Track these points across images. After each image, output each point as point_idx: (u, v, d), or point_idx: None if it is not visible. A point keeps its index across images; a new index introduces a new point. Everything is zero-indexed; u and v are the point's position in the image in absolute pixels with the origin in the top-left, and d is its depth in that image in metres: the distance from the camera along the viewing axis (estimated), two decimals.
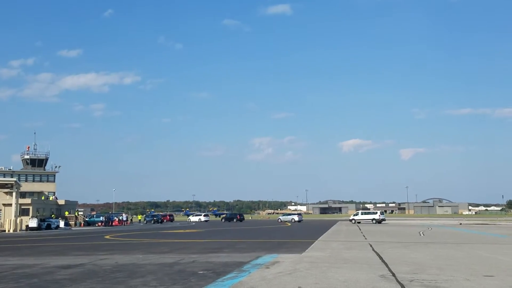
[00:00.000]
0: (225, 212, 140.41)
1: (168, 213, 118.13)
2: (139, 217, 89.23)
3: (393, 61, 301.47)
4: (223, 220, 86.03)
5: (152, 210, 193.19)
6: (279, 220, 77.27)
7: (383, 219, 64.35)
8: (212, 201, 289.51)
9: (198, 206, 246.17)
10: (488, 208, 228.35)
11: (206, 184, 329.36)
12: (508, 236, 29.71)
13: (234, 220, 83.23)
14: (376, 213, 65.83)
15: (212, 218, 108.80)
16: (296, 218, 75.63)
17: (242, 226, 56.38)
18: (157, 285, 10.59)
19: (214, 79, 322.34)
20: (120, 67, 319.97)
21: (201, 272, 12.70)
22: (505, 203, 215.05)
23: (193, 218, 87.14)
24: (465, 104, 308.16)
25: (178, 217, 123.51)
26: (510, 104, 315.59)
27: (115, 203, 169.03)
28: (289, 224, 65.49)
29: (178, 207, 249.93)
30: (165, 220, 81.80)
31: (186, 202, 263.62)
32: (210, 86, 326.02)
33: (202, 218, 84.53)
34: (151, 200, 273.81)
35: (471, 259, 15.32)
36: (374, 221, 61.96)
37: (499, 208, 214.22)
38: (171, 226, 58.16)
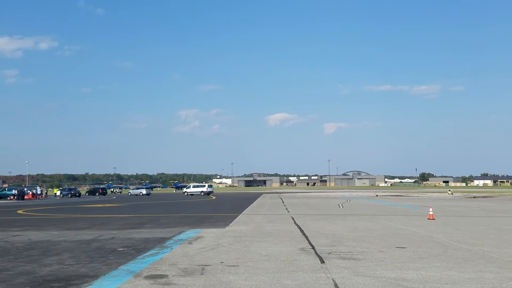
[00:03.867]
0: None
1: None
2: (55, 190, 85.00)
3: (319, 37, 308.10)
4: (87, 194, 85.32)
5: (109, 183, 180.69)
6: (129, 194, 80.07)
7: (211, 191, 74.75)
8: (134, 174, 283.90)
9: (120, 179, 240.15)
10: (403, 180, 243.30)
11: (128, 156, 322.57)
12: (420, 207, 31.61)
13: (97, 194, 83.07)
14: (205, 186, 75.96)
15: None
16: (144, 191, 78.93)
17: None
18: (73, 264, 10.10)
19: (138, 48, 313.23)
20: (35, 31, 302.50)
21: (121, 249, 12.29)
22: (418, 176, 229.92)
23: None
24: (385, 81, 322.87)
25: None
26: (426, 81, 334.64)
27: (29, 175, 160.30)
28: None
29: (98, 180, 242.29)
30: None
31: (106, 175, 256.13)
32: (133, 55, 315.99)
33: (64, 192, 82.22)
34: (68, 173, 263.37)
35: (385, 231, 16.10)
36: (203, 194, 71.13)
37: (412, 180, 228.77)
38: (90, 200, 56.22)
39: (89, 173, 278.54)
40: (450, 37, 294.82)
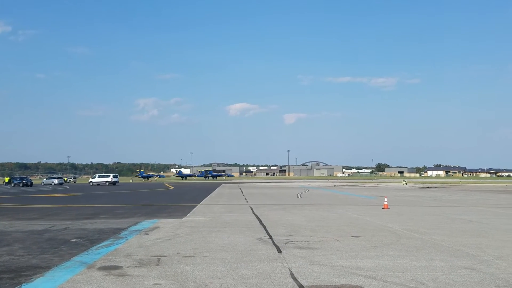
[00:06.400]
0: None
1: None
2: (6, 179, 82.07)
3: (280, 29, 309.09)
4: (13, 185, 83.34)
5: (141, 171, 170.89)
6: (43, 183, 79.88)
7: (117, 181, 77.21)
8: (89, 163, 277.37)
9: (74, 169, 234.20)
10: (360, 171, 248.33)
11: (83, 145, 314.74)
12: (376, 197, 32.37)
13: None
14: (109, 176, 77.11)
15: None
16: (55, 181, 79.42)
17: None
18: (24, 254, 9.78)
19: (95, 34, 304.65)
20: None
21: (74, 240, 11.96)
22: (375, 166, 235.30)
23: None
24: (345, 73, 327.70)
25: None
26: (384, 74, 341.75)
27: None
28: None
29: (51, 169, 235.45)
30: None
31: (60, 164, 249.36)
32: (90, 41, 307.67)
33: (15, 181, 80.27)
34: (19, 161, 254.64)
35: (342, 221, 16.37)
36: (107, 184, 73.65)
37: (369, 171, 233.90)
38: (43, 190, 54.55)
39: (42, 162, 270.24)
40: (407, 31, 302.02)
